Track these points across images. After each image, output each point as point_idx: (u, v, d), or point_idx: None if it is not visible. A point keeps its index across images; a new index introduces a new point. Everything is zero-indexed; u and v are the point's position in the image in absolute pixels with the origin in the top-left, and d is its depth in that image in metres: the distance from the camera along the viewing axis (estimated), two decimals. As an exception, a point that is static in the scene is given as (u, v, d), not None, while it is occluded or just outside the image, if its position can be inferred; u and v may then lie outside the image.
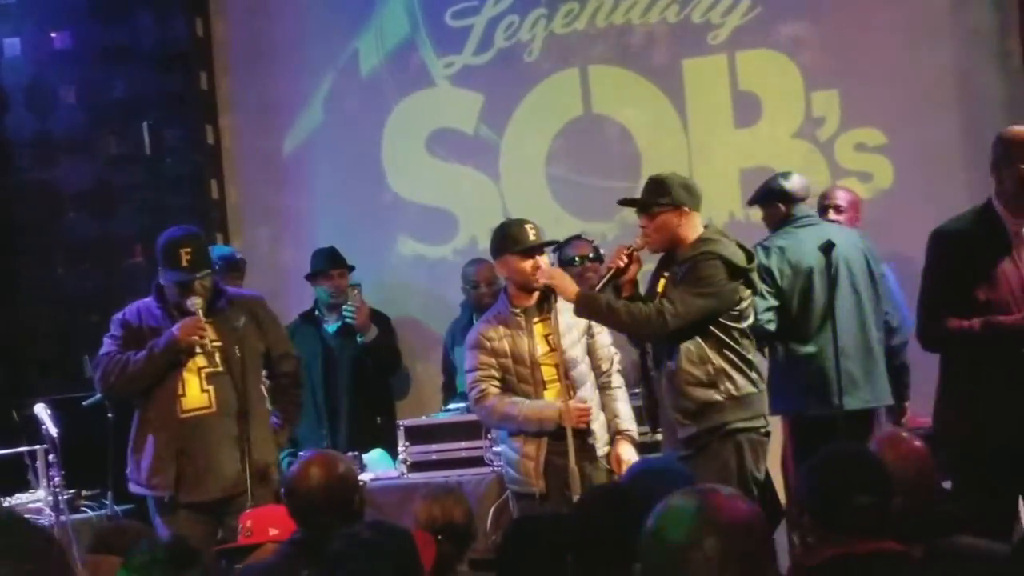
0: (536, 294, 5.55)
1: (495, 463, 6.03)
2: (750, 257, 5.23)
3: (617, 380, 5.70)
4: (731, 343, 5.11)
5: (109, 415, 6.50)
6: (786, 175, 6.14)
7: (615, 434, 5.61)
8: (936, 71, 7.28)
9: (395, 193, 8.09)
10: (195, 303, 5.52)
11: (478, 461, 6.25)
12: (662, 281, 5.24)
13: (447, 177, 8.04)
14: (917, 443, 3.67)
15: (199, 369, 5.56)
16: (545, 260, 5.57)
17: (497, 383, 5.52)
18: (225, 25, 8.39)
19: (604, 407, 5.64)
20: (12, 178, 8.35)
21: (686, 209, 5.22)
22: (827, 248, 5.53)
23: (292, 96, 8.28)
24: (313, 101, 8.25)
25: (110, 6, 8.23)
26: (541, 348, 5.53)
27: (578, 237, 6.90)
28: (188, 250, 5.52)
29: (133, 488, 5.76)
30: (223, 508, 5.49)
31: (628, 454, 5.52)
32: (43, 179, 8.29)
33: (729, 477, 4.94)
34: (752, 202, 6.28)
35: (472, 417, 6.31)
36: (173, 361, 5.55)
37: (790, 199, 6.02)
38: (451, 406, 6.70)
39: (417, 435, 6.39)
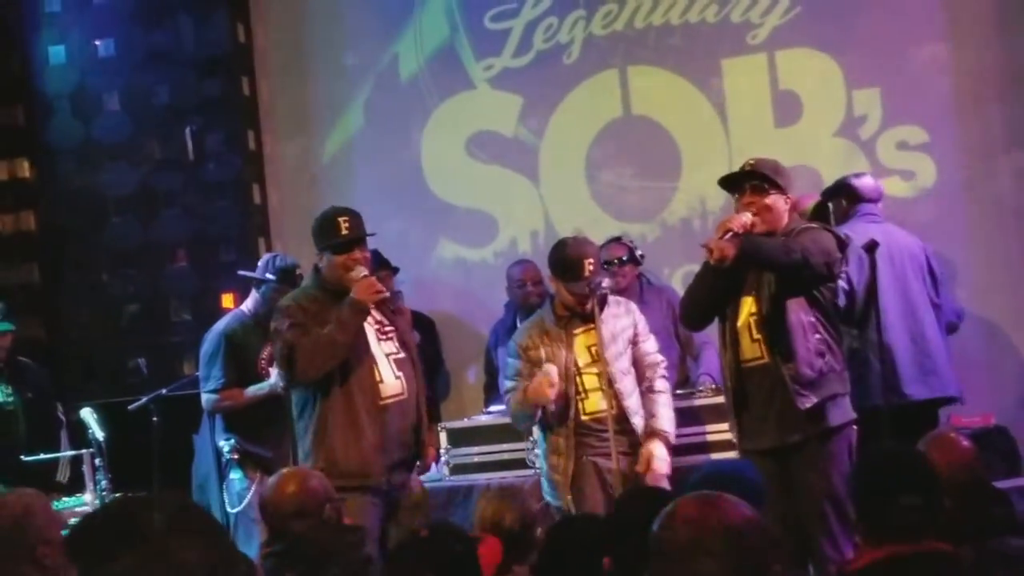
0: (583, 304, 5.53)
1: (537, 465, 6.04)
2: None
3: (660, 384, 5.65)
4: (832, 315, 5.10)
5: (154, 419, 6.54)
6: (860, 174, 6.36)
7: (649, 433, 5.55)
8: (978, 67, 7.23)
9: (435, 196, 8.12)
10: (360, 273, 5.34)
11: (520, 463, 6.25)
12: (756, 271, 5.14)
13: (487, 180, 8.06)
14: (966, 443, 3.65)
15: (387, 355, 5.42)
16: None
17: None
18: (266, 31, 8.45)
19: (644, 409, 5.62)
20: (57, 184, 8.43)
21: (789, 199, 5.22)
22: (871, 247, 5.53)
23: (332, 101, 8.32)
24: (353, 105, 8.28)
25: (153, 13, 8.31)
26: (583, 359, 5.52)
27: (617, 239, 6.89)
28: (346, 219, 5.40)
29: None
30: (397, 493, 5.39)
31: (659, 452, 5.48)
32: (87, 185, 8.37)
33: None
34: (823, 195, 6.31)
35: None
36: (363, 346, 5.35)
37: (855, 196, 6.09)
38: (493, 408, 6.71)
39: (459, 437, 6.40)
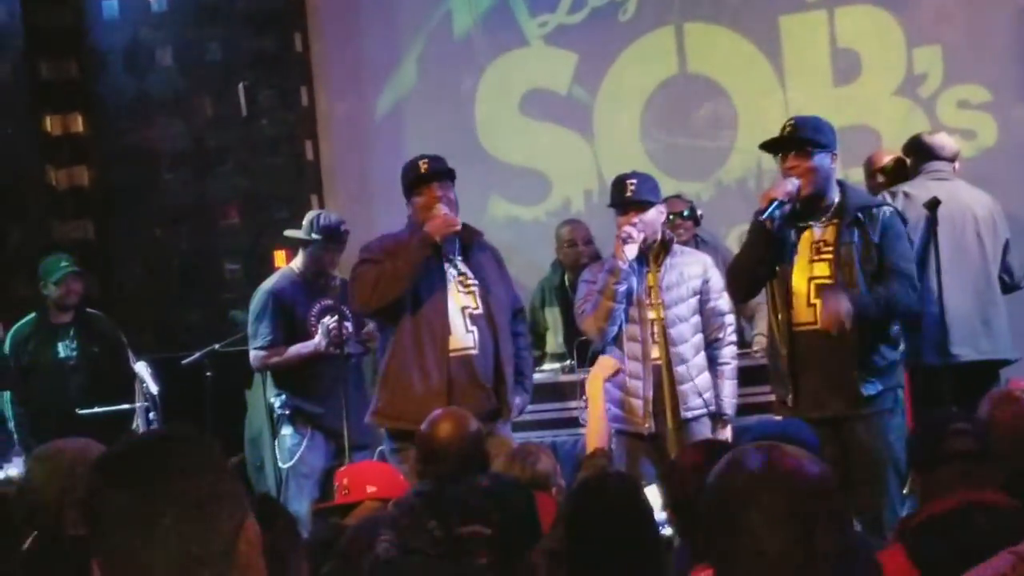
0: (656, 243, 5.51)
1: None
2: None
3: (726, 354, 5.57)
4: None
5: (208, 374, 6.56)
6: (933, 132, 6.26)
7: (715, 416, 5.51)
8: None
9: (488, 154, 8.06)
10: (440, 210, 5.36)
11: (573, 422, 6.21)
12: (808, 231, 5.06)
13: (540, 138, 8.00)
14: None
15: (463, 308, 5.43)
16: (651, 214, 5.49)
17: None
18: (319, -14, 8.41)
19: (711, 379, 5.56)
20: (110, 140, 8.45)
21: (836, 154, 5.12)
22: (932, 205, 5.44)
23: (385, 58, 8.28)
24: (406, 62, 8.24)
25: (206, -32, 8.29)
26: (645, 296, 5.49)
27: (677, 197, 6.83)
28: (425, 160, 5.46)
29: (380, 422, 5.53)
30: None
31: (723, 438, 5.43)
32: (140, 141, 8.38)
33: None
34: (904, 149, 6.22)
35: (565, 378, 6.29)
36: (438, 295, 5.37)
37: (925, 153, 5.98)
38: (545, 367, 6.66)
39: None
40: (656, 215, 5.54)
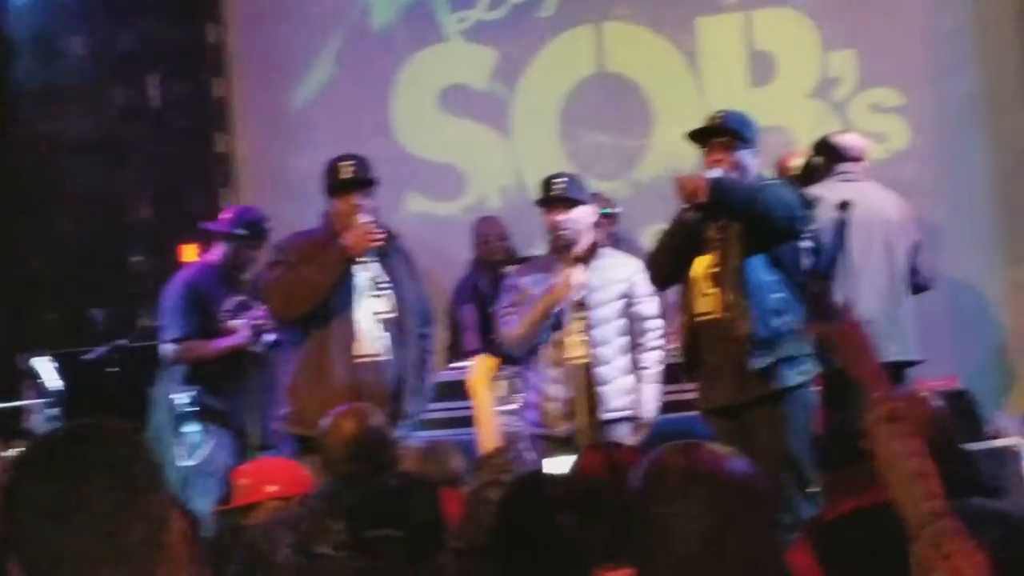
0: (584, 246, 5.50)
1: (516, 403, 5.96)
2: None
3: (648, 359, 5.54)
4: (794, 275, 5.03)
5: (110, 370, 6.45)
6: (842, 132, 6.27)
7: (635, 422, 5.48)
8: (954, 30, 7.17)
9: (405, 150, 8.00)
10: (358, 221, 5.29)
11: (484, 420, 6.15)
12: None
13: (458, 134, 7.96)
14: (937, 403, 3.59)
15: (375, 313, 5.38)
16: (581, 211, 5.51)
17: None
18: (235, -23, 8.30)
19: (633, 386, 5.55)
20: (18, 129, 8.27)
21: (757, 152, 5.16)
22: (844, 206, 5.46)
23: (302, 50, 8.19)
24: (323, 55, 8.15)
25: (118, -43, 8.15)
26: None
27: (595, 195, 6.80)
28: (350, 163, 5.38)
29: (289, 428, 5.44)
30: None
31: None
32: (49, 130, 8.21)
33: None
34: (813, 148, 6.24)
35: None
36: (349, 299, 5.31)
37: (834, 154, 6.02)
38: (458, 364, 6.62)
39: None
40: (584, 214, 5.53)
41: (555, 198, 5.48)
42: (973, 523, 2.94)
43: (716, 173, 4.95)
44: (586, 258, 5.53)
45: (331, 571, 3.40)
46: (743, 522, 1.91)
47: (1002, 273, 7.08)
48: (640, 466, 2.00)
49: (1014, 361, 7.05)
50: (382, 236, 5.35)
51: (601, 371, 5.44)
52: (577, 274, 5.40)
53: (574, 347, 5.41)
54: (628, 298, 5.53)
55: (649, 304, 5.56)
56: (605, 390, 5.43)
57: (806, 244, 5.24)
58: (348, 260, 5.28)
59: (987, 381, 6.53)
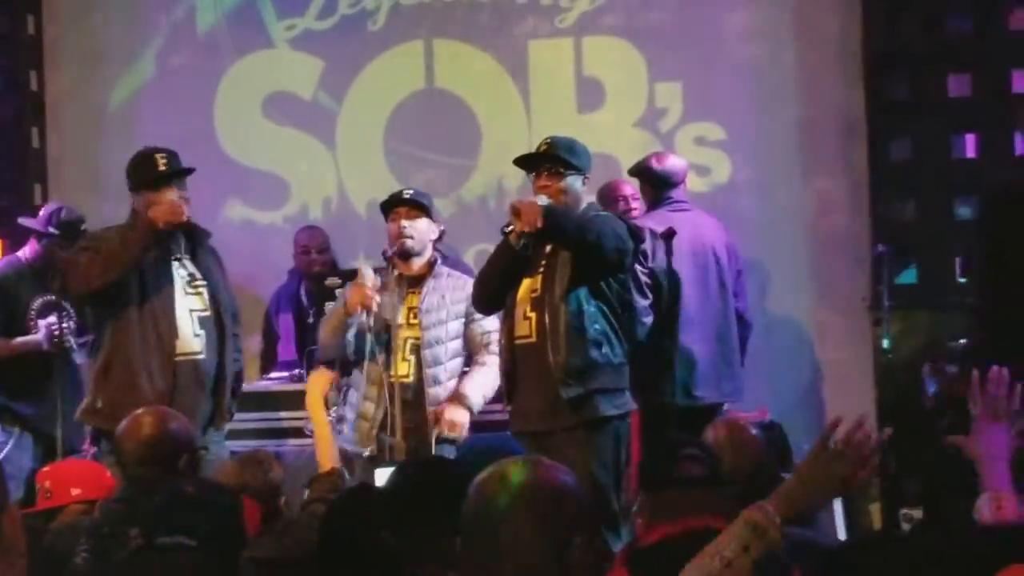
0: (422, 263, 5.50)
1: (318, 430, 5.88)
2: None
3: (486, 357, 5.51)
4: (617, 308, 5.04)
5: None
6: (662, 155, 6.23)
7: (450, 397, 5.45)
8: (778, 69, 7.35)
9: (226, 155, 7.86)
10: (167, 197, 5.16)
11: (299, 432, 6.07)
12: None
13: (281, 142, 7.85)
14: (754, 431, 3.67)
15: (191, 311, 5.25)
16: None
17: None
18: (55, -32, 8.06)
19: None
20: None
21: (587, 177, 5.16)
22: (668, 235, 5.53)
23: (123, 47, 7.98)
24: (145, 54, 7.96)
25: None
26: (401, 317, 5.44)
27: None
28: (164, 156, 5.25)
29: (96, 422, 5.27)
30: None
31: (452, 414, 5.38)
32: None
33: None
34: (631, 173, 6.25)
35: (293, 386, 6.15)
36: (165, 296, 5.19)
37: (657, 180, 6.02)
38: (273, 375, 6.52)
39: (242, 403, 6.18)
40: (427, 227, 5.52)
41: (405, 200, 5.47)
42: (789, 550, 3.01)
43: (544, 201, 4.97)
44: (423, 275, 5.50)
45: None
46: (578, 533, 1.91)
47: (814, 309, 7.27)
48: (478, 480, 1.99)
49: (823, 395, 7.24)
50: (188, 219, 5.24)
51: (432, 392, 5.42)
52: (368, 272, 5.35)
53: (399, 365, 5.38)
54: (467, 316, 5.51)
55: (488, 320, 5.53)
56: (435, 411, 5.41)
57: (643, 277, 5.31)
58: (153, 234, 5.15)
59: (794, 415, 6.66)
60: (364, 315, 5.36)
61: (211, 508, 3.07)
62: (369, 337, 5.38)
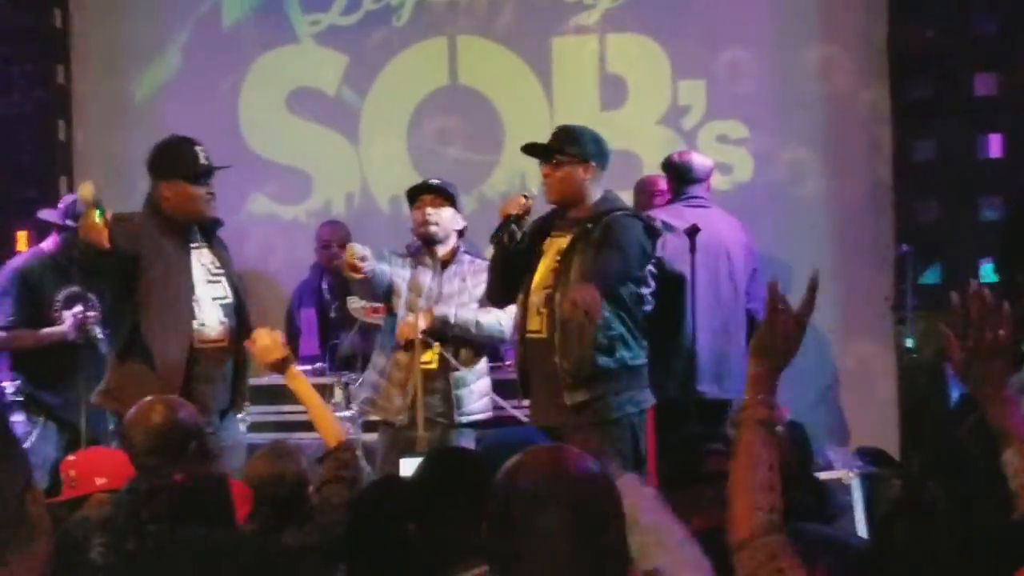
0: (446, 251, 5.61)
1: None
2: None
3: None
4: (632, 308, 5.04)
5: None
6: (686, 151, 6.30)
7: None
8: (802, 68, 7.34)
9: (250, 149, 7.88)
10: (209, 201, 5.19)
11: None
12: (554, 240, 5.09)
13: (305, 137, 7.86)
14: (779, 428, 3.65)
15: (214, 299, 5.23)
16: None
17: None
18: (82, -38, 8.09)
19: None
20: None
21: (593, 164, 5.11)
22: (691, 232, 5.53)
23: (148, 41, 8.01)
24: (170, 48, 7.99)
25: (-39, -66, 7.88)
26: (424, 302, 5.55)
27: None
28: (204, 151, 5.21)
29: (112, 405, 5.26)
30: None
31: (419, 320, 5.42)
32: None
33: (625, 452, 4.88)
34: (661, 167, 6.29)
35: (315, 380, 6.16)
36: (187, 286, 5.16)
37: (679, 175, 6.02)
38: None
39: (259, 395, 6.20)
40: (452, 216, 5.60)
41: (431, 187, 5.52)
42: (809, 546, 3.01)
43: (523, 201, 5.09)
44: (447, 261, 5.55)
45: (139, 569, 3.33)
46: (609, 520, 1.92)
47: (837, 309, 7.24)
48: (504, 469, 1.99)
49: (845, 395, 7.22)
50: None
51: (457, 376, 5.45)
52: (356, 246, 5.45)
53: (424, 353, 5.43)
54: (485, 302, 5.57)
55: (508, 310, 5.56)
56: (461, 394, 5.46)
57: (650, 269, 5.30)
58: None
59: (816, 416, 6.65)
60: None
61: (197, 493, 3.07)
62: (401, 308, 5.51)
